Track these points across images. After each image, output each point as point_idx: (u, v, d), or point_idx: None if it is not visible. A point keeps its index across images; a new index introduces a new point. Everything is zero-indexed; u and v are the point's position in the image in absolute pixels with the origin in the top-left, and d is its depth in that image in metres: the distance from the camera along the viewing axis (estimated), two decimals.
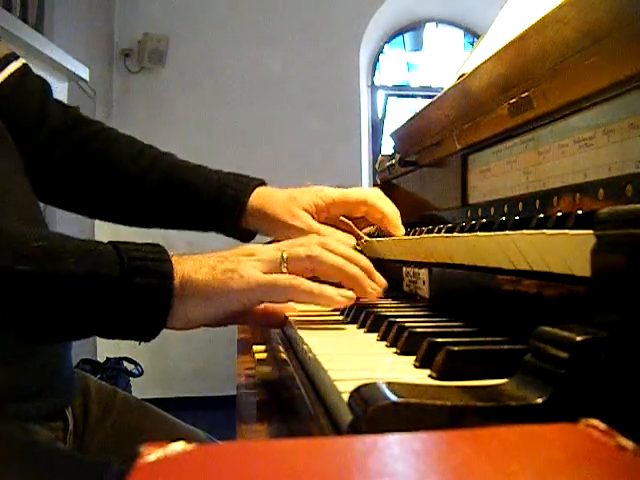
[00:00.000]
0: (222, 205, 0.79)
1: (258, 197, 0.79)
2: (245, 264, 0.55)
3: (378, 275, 0.61)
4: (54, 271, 0.50)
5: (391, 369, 0.37)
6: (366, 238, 0.81)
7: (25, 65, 0.78)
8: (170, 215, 0.83)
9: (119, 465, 0.60)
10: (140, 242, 0.55)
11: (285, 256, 0.56)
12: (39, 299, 0.50)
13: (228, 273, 0.54)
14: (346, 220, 0.83)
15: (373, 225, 0.87)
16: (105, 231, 0.54)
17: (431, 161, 0.84)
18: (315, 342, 0.43)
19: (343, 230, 0.80)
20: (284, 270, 0.56)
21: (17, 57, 0.77)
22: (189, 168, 0.82)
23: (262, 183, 0.82)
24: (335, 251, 0.58)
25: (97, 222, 2.66)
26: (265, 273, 0.55)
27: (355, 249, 0.75)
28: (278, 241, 0.63)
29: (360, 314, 0.55)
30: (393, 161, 0.99)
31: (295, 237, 0.79)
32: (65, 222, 2.28)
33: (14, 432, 0.59)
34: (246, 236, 0.82)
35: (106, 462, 0.62)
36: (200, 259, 0.56)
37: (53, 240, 0.53)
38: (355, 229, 0.83)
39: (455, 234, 0.53)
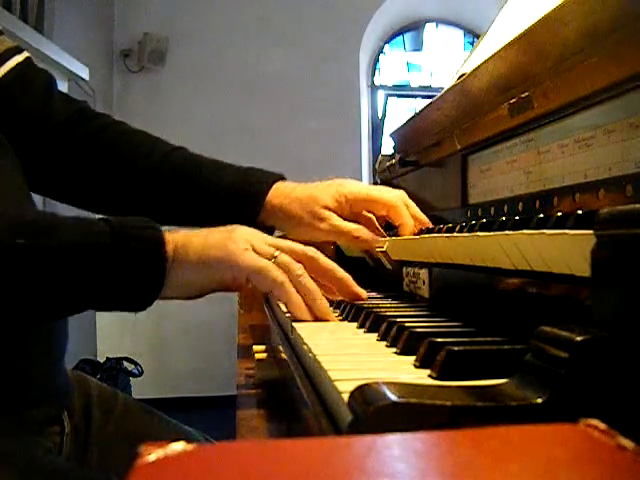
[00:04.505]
0: (238, 202, 0.77)
1: (277, 194, 0.77)
2: (240, 236, 0.56)
3: (358, 287, 0.62)
4: (49, 243, 0.51)
5: (391, 369, 0.37)
6: (387, 237, 0.78)
7: (28, 59, 0.76)
8: (182, 212, 0.81)
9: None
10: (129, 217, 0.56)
11: (276, 255, 0.57)
12: (35, 272, 0.50)
13: (224, 240, 0.56)
14: (369, 215, 0.79)
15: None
16: None
17: (431, 161, 0.84)
18: (315, 342, 0.43)
19: (364, 225, 0.77)
20: None
21: (21, 51, 0.76)
22: (203, 163, 0.79)
23: (281, 177, 0.79)
24: (322, 263, 0.59)
25: None
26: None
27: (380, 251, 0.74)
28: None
29: (360, 314, 0.55)
30: (393, 161, 0.99)
31: (320, 239, 0.78)
32: None
33: (16, 450, 0.59)
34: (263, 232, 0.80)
35: (107, 478, 0.62)
36: (193, 231, 0.57)
37: (45, 215, 0.54)
38: (377, 225, 0.80)
39: (455, 234, 0.52)
